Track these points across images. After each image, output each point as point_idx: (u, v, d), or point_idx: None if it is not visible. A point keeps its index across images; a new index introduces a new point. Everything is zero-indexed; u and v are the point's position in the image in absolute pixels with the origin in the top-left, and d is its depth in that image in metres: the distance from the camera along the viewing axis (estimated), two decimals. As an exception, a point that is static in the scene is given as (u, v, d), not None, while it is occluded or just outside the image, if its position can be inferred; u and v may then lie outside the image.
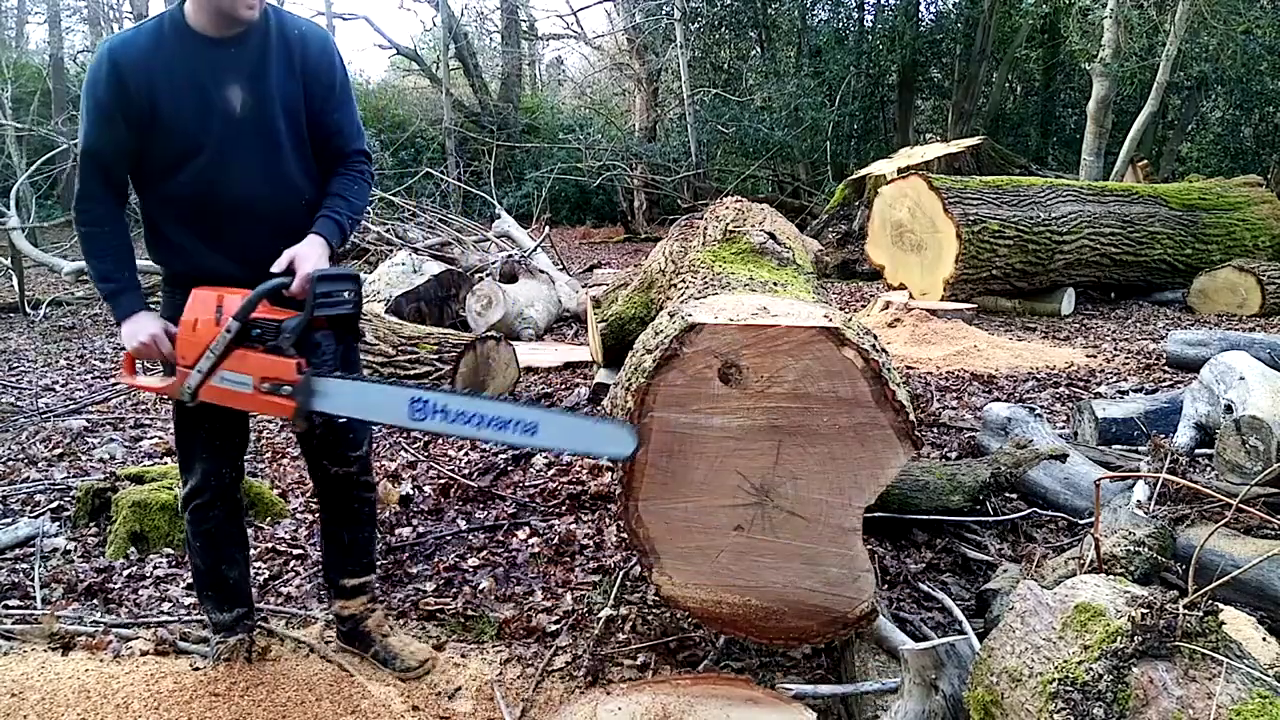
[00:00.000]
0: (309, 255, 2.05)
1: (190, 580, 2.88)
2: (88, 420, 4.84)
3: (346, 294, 2.05)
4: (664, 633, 2.53)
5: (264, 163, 2.10)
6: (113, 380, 5.82)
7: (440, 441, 4.31)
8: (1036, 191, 8.48)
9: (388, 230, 9.49)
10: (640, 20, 17.78)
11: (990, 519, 3.18)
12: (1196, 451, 3.53)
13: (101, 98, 2.01)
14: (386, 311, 6.16)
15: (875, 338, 2.08)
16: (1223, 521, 2.44)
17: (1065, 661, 1.51)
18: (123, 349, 2.17)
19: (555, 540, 3.14)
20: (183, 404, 2.15)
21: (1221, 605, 1.71)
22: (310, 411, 2.00)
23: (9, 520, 3.38)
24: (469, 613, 2.67)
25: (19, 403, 5.30)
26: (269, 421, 4.61)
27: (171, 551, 3.09)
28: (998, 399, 5.00)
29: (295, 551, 3.14)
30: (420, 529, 3.32)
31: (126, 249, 2.16)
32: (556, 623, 2.61)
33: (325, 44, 2.19)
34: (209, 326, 2.03)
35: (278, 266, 2.04)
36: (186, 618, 2.65)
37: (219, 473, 2.26)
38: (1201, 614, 1.47)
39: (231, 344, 2.01)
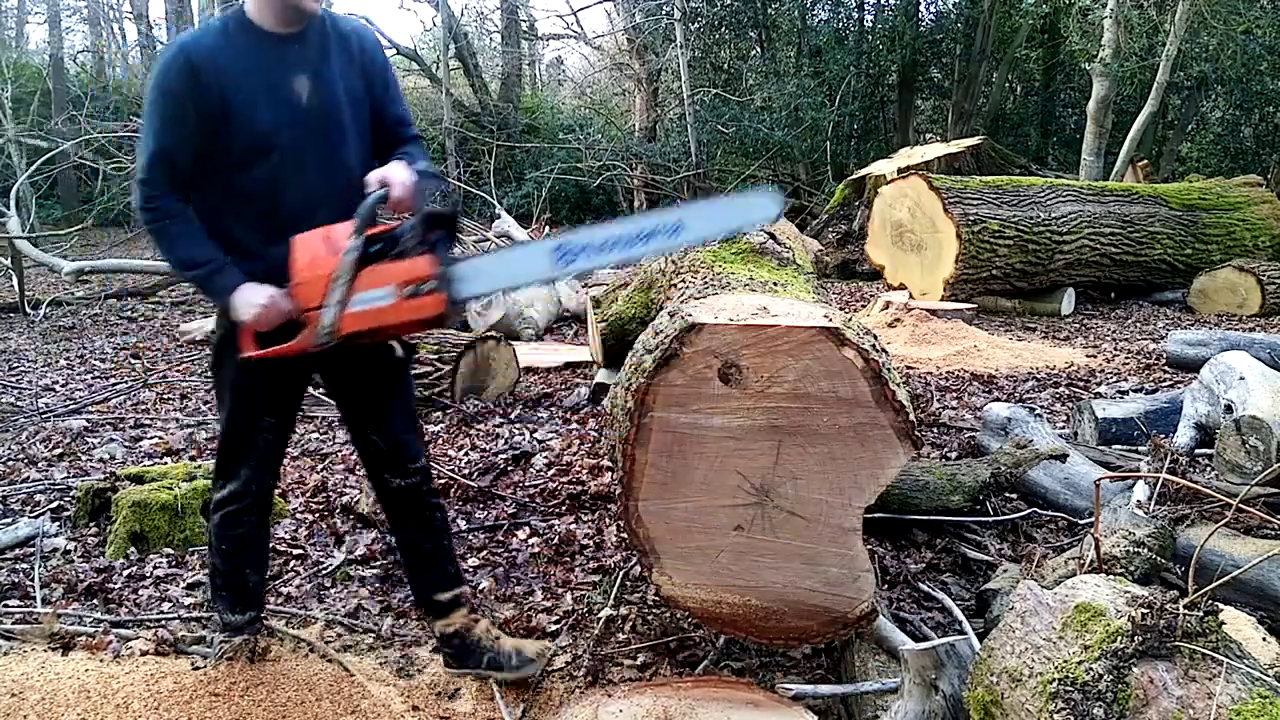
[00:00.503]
0: (398, 168, 2.03)
1: (190, 580, 2.88)
2: (88, 420, 4.83)
3: (444, 193, 2.00)
4: (664, 633, 2.53)
5: (331, 156, 2.11)
6: (113, 380, 5.82)
7: (440, 441, 4.31)
8: (1036, 191, 8.49)
9: (388, 230, 9.47)
10: (640, 20, 17.76)
11: (990, 519, 3.18)
12: (1196, 451, 3.53)
13: (175, 88, 1.99)
14: (386, 311, 6.15)
15: (875, 338, 2.08)
16: (1223, 521, 2.44)
17: (1065, 661, 1.51)
18: (210, 328, 2.10)
19: (555, 540, 3.14)
20: (241, 406, 2.15)
21: (1221, 605, 1.71)
22: (460, 300, 1.97)
23: (9, 520, 3.38)
24: (469, 613, 2.67)
25: (19, 403, 5.30)
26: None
27: (171, 551, 3.08)
28: (998, 399, 5.01)
29: (295, 551, 3.14)
30: (420, 529, 3.32)
31: (201, 231, 2.09)
32: (556, 623, 2.61)
33: (374, 40, 2.25)
34: (326, 260, 1.95)
35: (370, 185, 1.99)
36: (187, 617, 2.65)
37: (262, 479, 2.24)
38: (1201, 614, 1.47)
39: (358, 263, 1.94)
